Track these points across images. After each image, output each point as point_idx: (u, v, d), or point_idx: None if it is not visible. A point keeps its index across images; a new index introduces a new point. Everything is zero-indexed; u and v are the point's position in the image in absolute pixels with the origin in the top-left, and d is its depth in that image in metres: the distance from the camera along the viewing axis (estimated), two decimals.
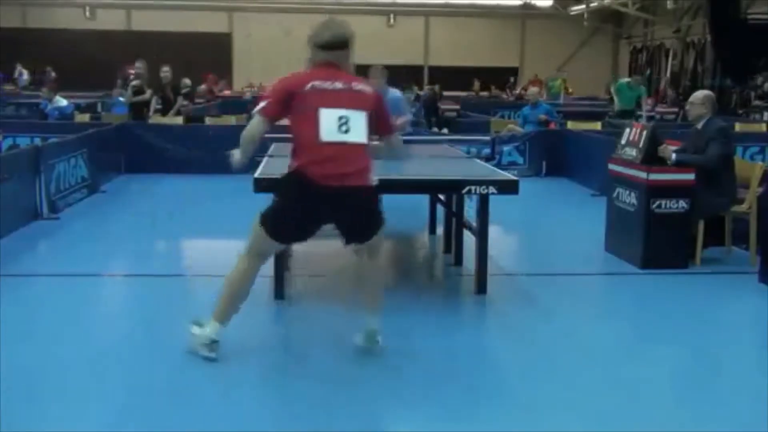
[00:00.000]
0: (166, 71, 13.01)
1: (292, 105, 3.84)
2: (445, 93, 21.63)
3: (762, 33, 16.55)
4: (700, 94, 6.53)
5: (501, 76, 28.57)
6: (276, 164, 5.85)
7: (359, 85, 3.95)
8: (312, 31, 3.99)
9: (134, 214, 8.51)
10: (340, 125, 3.80)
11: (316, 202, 3.85)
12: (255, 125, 3.91)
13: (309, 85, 3.83)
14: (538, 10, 29.62)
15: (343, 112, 3.81)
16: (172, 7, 29.18)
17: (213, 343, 4.06)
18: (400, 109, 8.88)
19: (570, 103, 20.95)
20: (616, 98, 14.56)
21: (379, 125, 4.05)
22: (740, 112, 18.30)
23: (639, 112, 14.35)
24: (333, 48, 3.93)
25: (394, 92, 8.94)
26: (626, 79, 15.19)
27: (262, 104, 3.92)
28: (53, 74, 22.94)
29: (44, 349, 4.28)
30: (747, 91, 20.69)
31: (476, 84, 26.65)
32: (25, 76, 24.89)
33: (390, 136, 4.19)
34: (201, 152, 11.03)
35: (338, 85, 3.85)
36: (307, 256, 6.51)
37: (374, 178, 3.94)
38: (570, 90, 25.09)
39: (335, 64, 3.93)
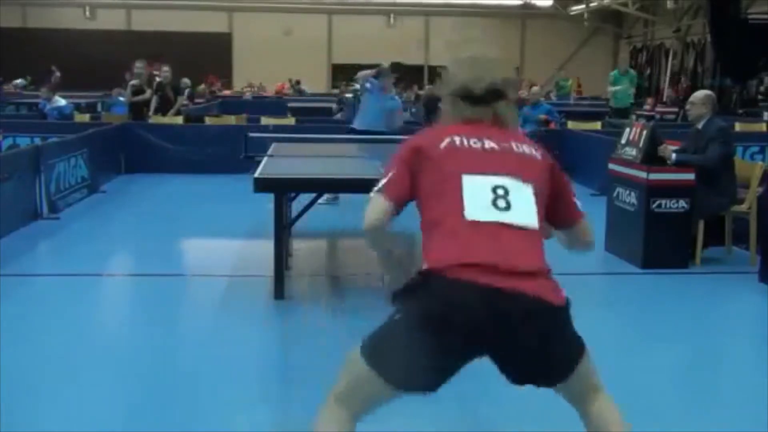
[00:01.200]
0: (165, 71, 13.01)
1: (422, 172, 2.42)
2: None
3: (762, 33, 16.55)
4: (700, 94, 6.53)
5: None
6: (276, 164, 5.87)
7: (525, 147, 2.53)
8: (447, 70, 2.60)
9: (134, 214, 8.51)
10: (500, 203, 2.34)
11: (459, 318, 2.22)
12: (373, 209, 2.46)
13: (445, 142, 2.43)
14: (538, 10, 29.63)
15: (500, 180, 2.37)
16: (172, 7, 29.18)
17: None
18: (396, 108, 9.07)
19: (572, 103, 20.93)
20: (612, 91, 14.43)
21: (558, 207, 2.63)
22: (740, 112, 18.29)
23: (630, 99, 14.32)
24: (479, 101, 2.49)
25: (395, 99, 9.16)
26: (615, 71, 15.10)
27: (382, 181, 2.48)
28: (58, 74, 22.89)
29: (44, 349, 4.28)
30: (746, 90, 20.70)
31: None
32: (20, 81, 24.81)
33: (576, 223, 2.78)
34: (201, 152, 11.05)
35: (492, 145, 2.43)
36: (307, 256, 6.51)
37: (563, 291, 2.45)
38: (580, 89, 25.00)
39: (485, 121, 2.49)
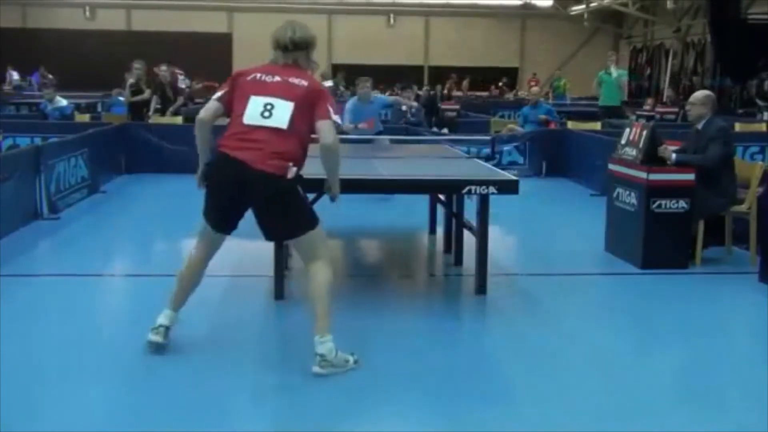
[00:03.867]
0: (164, 70, 13.00)
1: (234, 91, 4.02)
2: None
3: (762, 33, 16.57)
4: (700, 95, 6.53)
5: (501, 77, 28.55)
6: None
7: (296, 80, 3.94)
8: (273, 33, 4.07)
9: (134, 214, 8.51)
10: (263, 111, 3.87)
11: (229, 180, 3.89)
12: (207, 108, 4.08)
13: (251, 76, 4.00)
14: (538, 10, 29.64)
15: (270, 99, 3.88)
16: (172, 7, 29.19)
17: None
18: (391, 102, 9.75)
19: (570, 103, 20.92)
20: (599, 89, 14.32)
21: (312, 114, 3.92)
22: (740, 112, 18.28)
23: (617, 98, 14.17)
24: (286, 50, 4.01)
25: (379, 97, 10.11)
26: (601, 71, 14.84)
27: (218, 93, 4.12)
28: (50, 76, 22.83)
29: (44, 349, 4.28)
30: (746, 90, 20.70)
31: (464, 83, 26.21)
32: (16, 76, 24.80)
33: (319, 121, 3.90)
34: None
35: (276, 78, 3.95)
36: None
37: (293, 169, 3.84)
38: (567, 88, 24.91)
39: (290, 65, 4.01)
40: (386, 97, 10.27)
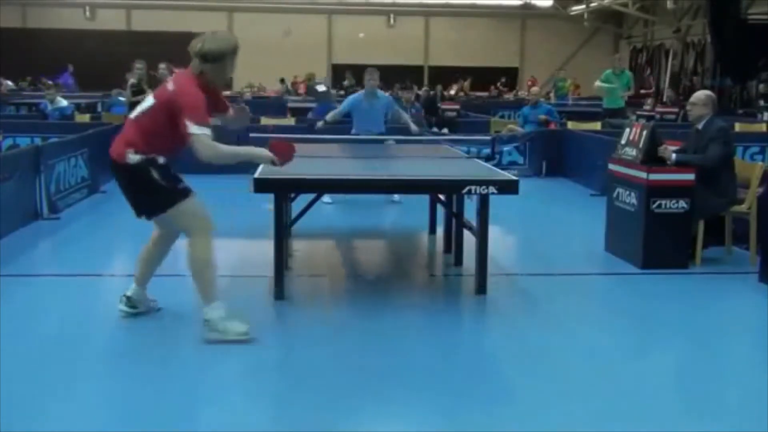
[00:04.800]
0: (162, 68, 12.99)
1: None
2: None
3: (762, 33, 16.57)
4: (702, 95, 6.53)
5: (501, 77, 28.55)
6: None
7: (171, 85, 4.37)
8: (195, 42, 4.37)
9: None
10: (140, 107, 4.43)
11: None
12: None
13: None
14: (538, 10, 29.61)
15: (149, 99, 4.42)
16: (172, 7, 29.18)
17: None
18: (393, 111, 9.45)
19: (573, 104, 20.90)
20: (597, 86, 13.95)
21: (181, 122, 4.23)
22: (740, 112, 18.28)
23: (622, 94, 13.86)
24: (205, 60, 4.31)
25: (386, 96, 9.73)
26: (608, 69, 14.50)
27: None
28: (50, 81, 22.65)
29: (44, 349, 4.28)
30: (746, 90, 20.70)
31: (464, 83, 26.07)
32: (8, 83, 24.68)
33: (187, 138, 4.20)
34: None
35: (169, 85, 4.39)
36: (307, 256, 6.52)
37: (134, 156, 4.27)
38: (578, 89, 24.87)
39: (195, 73, 4.33)
40: (393, 102, 9.79)
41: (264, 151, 4.44)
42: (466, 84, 25.93)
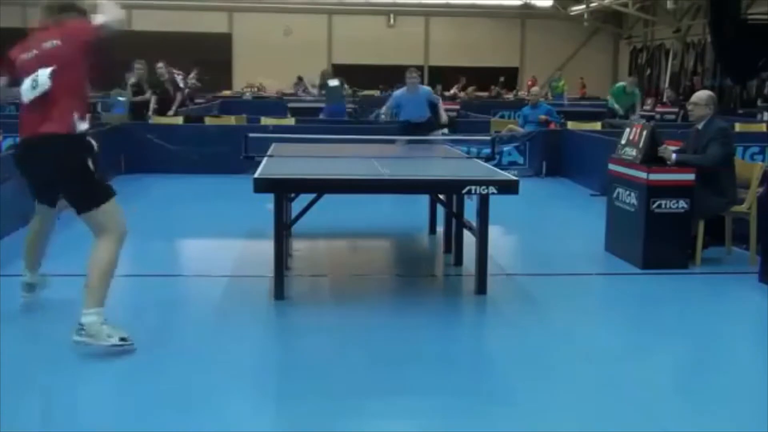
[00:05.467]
0: (160, 67, 12.99)
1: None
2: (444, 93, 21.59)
3: (762, 33, 16.55)
4: (704, 95, 6.53)
5: (501, 77, 28.53)
6: (276, 164, 5.87)
7: (49, 42, 4.17)
8: None
9: (134, 214, 8.48)
10: (33, 86, 4.16)
11: (20, 159, 4.41)
12: None
13: (18, 60, 4.27)
14: (538, 10, 29.59)
15: (33, 75, 4.15)
16: (172, 7, 29.15)
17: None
18: (434, 101, 10.83)
19: (569, 104, 20.91)
20: (614, 104, 14.67)
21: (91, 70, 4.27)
22: (740, 112, 18.27)
23: (633, 117, 14.39)
24: (49, 12, 4.28)
25: (425, 88, 11.18)
26: (622, 83, 15.22)
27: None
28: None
29: (44, 349, 4.28)
30: (746, 90, 20.69)
31: (462, 83, 25.84)
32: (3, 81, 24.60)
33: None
34: (201, 152, 11.05)
35: (33, 52, 4.19)
36: (307, 256, 6.52)
37: (76, 126, 4.18)
38: (565, 89, 24.78)
39: (49, 24, 4.26)
40: (432, 94, 11.22)
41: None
42: (470, 90, 25.86)
